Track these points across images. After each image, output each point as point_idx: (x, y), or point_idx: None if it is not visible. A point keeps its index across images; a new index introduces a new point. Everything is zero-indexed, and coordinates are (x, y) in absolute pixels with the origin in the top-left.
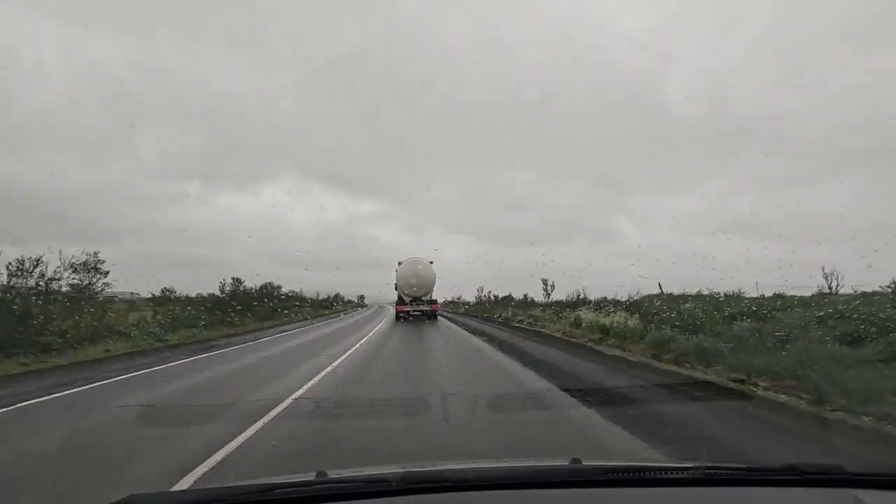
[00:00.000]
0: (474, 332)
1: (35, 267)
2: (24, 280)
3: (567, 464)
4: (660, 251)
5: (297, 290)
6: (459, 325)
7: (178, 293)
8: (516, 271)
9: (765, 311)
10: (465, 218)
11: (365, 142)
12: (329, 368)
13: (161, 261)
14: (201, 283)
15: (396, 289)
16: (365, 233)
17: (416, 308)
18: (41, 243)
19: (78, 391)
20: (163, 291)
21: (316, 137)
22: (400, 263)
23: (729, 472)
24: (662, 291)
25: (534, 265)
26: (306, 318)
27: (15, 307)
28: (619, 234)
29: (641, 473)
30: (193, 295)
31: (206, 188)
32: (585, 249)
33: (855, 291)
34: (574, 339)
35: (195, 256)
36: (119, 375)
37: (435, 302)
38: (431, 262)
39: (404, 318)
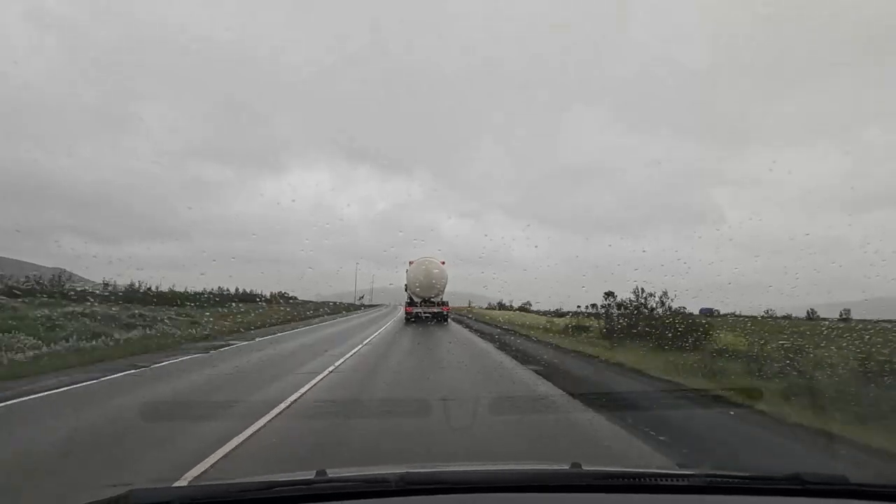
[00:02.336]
0: None
1: None
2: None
3: (567, 468)
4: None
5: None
6: None
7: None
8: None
9: None
10: (525, 201)
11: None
12: None
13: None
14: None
15: (406, 289)
16: (420, 224)
17: (426, 310)
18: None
19: None
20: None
21: (357, 115)
22: (411, 263)
23: (730, 479)
24: None
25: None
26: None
27: None
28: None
29: (641, 479)
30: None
31: (250, 180)
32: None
33: None
34: None
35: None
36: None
37: (446, 303)
38: (443, 262)
39: (414, 320)
